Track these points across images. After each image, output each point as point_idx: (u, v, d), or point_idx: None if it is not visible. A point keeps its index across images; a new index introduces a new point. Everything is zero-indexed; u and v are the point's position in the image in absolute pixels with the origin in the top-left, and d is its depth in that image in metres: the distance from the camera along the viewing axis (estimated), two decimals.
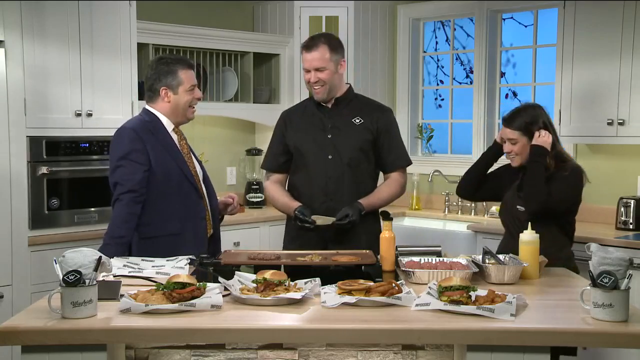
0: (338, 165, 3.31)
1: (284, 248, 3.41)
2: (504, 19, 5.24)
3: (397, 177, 3.41)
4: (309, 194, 3.34)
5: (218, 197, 3.31)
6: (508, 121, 3.21)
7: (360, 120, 3.34)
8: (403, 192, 3.45)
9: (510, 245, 3.06)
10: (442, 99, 5.70)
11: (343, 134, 3.32)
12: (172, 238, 3.09)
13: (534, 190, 3.08)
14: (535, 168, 3.10)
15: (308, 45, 3.30)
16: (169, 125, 3.18)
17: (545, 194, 3.04)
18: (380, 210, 3.24)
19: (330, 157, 3.31)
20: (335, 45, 3.30)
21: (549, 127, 3.20)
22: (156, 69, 3.15)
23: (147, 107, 3.20)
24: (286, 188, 3.48)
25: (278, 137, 3.48)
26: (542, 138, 3.14)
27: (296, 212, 3.23)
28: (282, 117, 3.52)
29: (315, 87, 3.31)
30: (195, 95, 3.20)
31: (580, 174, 3.17)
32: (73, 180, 4.02)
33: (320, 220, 3.17)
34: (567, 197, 3.13)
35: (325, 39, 3.31)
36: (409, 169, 3.50)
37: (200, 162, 3.32)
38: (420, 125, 5.64)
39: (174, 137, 3.19)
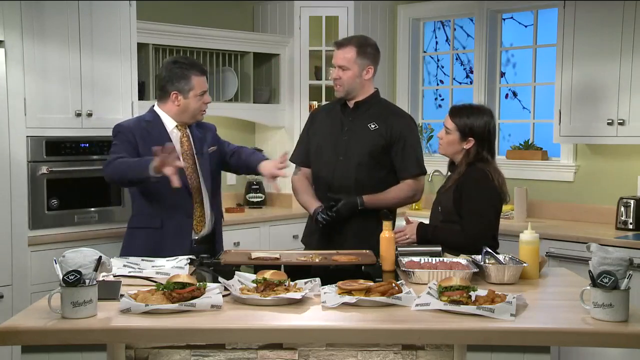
0: (346, 168, 3.36)
1: (303, 241, 3.55)
2: (504, 19, 5.24)
3: (409, 182, 3.41)
4: (315, 190, 3.45)
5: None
6: (453, 114, 3.16)
7: (376, 126, 3.37)
8: (416, 197, 3.48)
9: None
10: (442, 99, 5.70)
11: (356, 138, 3.37)
12: (152, 232, 3.18)
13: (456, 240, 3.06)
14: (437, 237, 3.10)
15: (338, 43, 3.40)
16: (171, 124, 3.26)
17: (460, 237, 3.05)
18: (380, 210, 3.25)
19: (341, 158, 3.37)
20: (365, 50, 3.35)
21: (485, 136, 3.11)
22: (170, 72, 3.22)
23: (155, 107, 3.29)
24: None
25: (305, 133, 3.57)
26: (402, 238, 3.17)
27: (317, 214, 3.29)
28: (311, 114, 3.68)
29: (335, 84, 3.39)
30: (205, 101, 3.28)
31: (488, 184, 3.09)
32: (73, 180, 4.02)
33: (262, 253, 2.90)
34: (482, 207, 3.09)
35: (357, 40, 3.39)
36: None
37: (209, 157, 3.34)
38: (420, 125, 5.64)
39: (176, 134, 3.25)
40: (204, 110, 3.31)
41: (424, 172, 3.46)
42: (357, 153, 3.35)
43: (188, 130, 3.31)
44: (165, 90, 3.22)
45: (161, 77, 3.26)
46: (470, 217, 3.06)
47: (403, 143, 3.37)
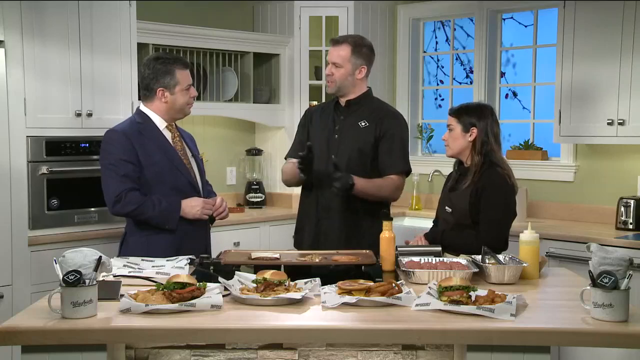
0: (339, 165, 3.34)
1: (295, 243, 3.55)
2: (504, 19, 5.24)
3: (394, 178, 3.39)
4: (310, 187, 3.46)
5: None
6: (453, 111, 3.22)
7: (366, 124, 3.39)
8: (396, 194, 3.43)
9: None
10: (442, 99, 5.70)
11: (347, 136, 3.40)
12: (173, 234, 3.12)
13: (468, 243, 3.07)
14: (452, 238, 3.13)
15: (334, 40, 3.45)
16: (161, 124, 3.22)
17: (474, 243, 3.02)
18: (380, 210, 3.26)
19: (333, 156, 3.37)
20: (360, 50, 3.38)
21: (488, 123, 3.16)
22: (153, 69, 3.17)
23: (141, 107, 3.25)
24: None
25: (300, 131, 3.61)
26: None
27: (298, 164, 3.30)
28: (305, 113, 3.68)
29: (328, 80, 3.44)
30: (191, 94, 3.24)
31: (508, 190, 3.12)
32: (73, 180, 4.02)
33: (262, 253, 2.92)
34: (499, 216, 3.10)
35: (352, 40, 3.42)
36: None
37: (200, 161, 3.35)
38: (420, 125, 5.64)
39: (167, 134, 3.22)
40: (191, 104, 3.27)
41: (409, 171, 3.45)
42: (348, 151, 3.38)
43: (177, 131, 3.29)
44: (151, 89, 3.18)
45: (144, 75, 3.19)
46: (488, 226, 3.06)
47: (391, 139, 3.38)
